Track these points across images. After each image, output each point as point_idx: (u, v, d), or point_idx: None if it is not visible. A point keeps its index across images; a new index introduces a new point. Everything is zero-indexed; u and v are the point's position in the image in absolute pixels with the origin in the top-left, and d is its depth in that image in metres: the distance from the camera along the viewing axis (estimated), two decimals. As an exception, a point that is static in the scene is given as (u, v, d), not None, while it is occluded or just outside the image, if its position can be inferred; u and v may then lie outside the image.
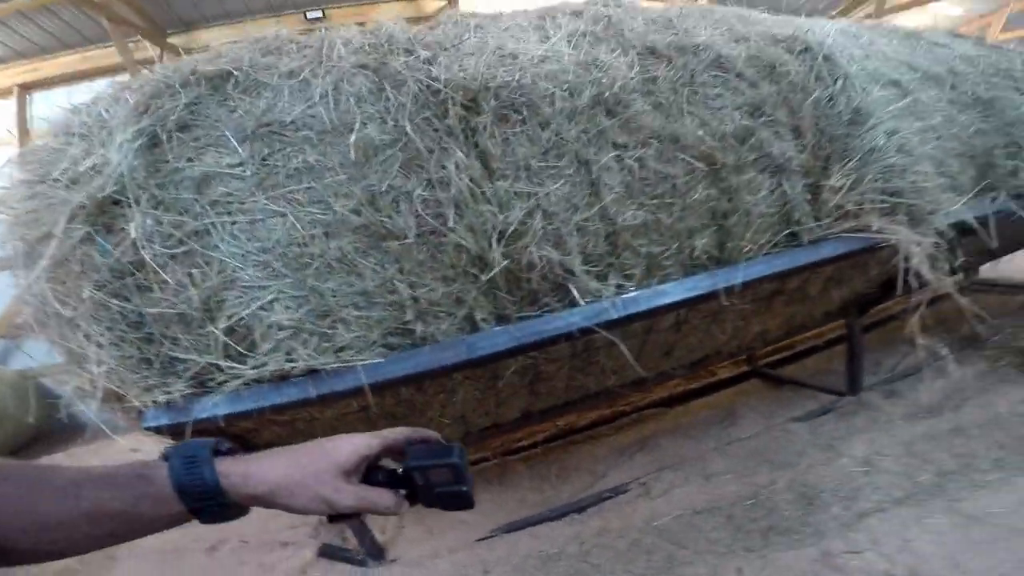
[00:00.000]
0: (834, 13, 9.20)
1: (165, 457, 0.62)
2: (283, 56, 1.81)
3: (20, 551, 0.54)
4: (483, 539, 2.42)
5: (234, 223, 1.58)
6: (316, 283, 1.54)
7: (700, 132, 1.72)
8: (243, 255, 1.54)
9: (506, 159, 1.66)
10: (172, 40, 5.62)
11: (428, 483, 0.68)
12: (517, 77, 1.67)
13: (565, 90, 1.71)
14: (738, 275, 1.67)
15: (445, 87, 1.64)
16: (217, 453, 0.63)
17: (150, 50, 5.39)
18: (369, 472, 0.68)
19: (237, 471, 0.61)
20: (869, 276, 2.43)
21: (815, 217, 1.84)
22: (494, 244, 1.58)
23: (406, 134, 1.63)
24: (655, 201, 1.72)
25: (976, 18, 10.53)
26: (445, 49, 1.78)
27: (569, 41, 1.89)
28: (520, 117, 1.68)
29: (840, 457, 2.53)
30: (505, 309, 1.66)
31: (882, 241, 1.81)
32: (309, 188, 1.65)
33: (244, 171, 1.63)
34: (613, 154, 1.68)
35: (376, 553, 2.32)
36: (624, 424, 3.44)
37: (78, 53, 5.67)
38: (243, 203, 1.62)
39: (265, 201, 1.62)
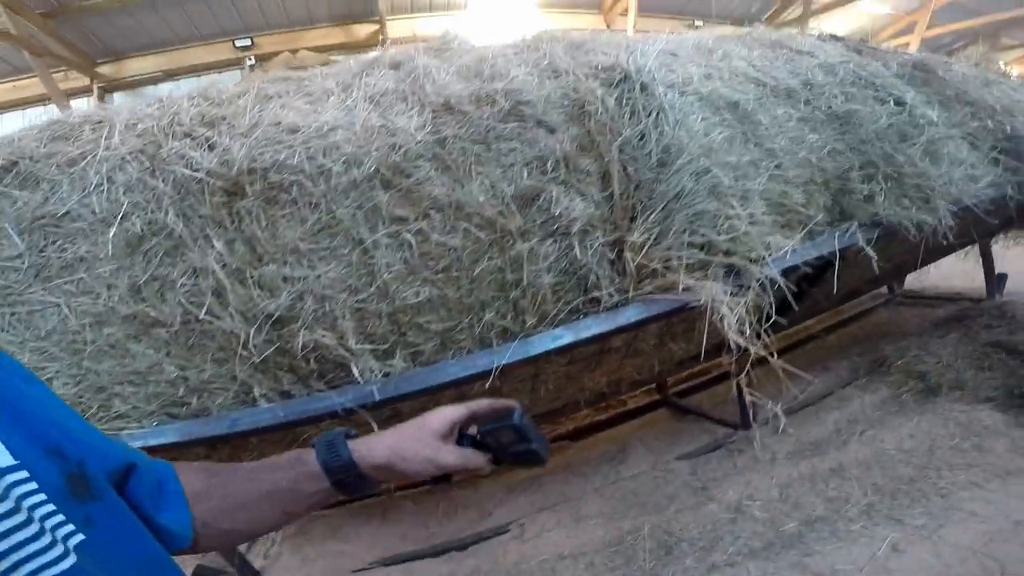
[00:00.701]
0: (764, 17, 9.02)
1: (313, 444, 0.74)
2: (71, 142, 1.81)
3: (224, 531, 0.68)
4: (358, 571, 2.43)
5: (13, 314, 1.61)
6: (91, 364, 1.57)
7: (482, 198, 1.64)
8: (21, 342, 1.57)
9: (275, 242, 1.63)
10: (101, 70, 5.60)
11: (500, 444, 0.76)
12: (283, 157, 1.62)
13: (343, 163, 1.66)
14: (504, 356, 1.59)
15: (207, 174, 1.61)
16: (348, 437, 0.75)
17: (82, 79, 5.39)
18: (460, 438, 0.77)
19: (362, 447, 0.73)
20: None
21: (614, 279, 1.73)
22: (258, 330, 1.55)
23: (169, 223, 1.60)
24: (440, 276, 1.65)
25: (904, 15, 10.17)
26: (224, 128, 1.73)
27: (372, 100, 1.83)
28: (290, 198, 1.63)
29: (710, 502, 2.48)
30: (292, 384, 1.63)
31: (692, 301, 1.70)
32: (81, 279, 1.67)
33: (22, 263, 1.64)
34: (389, 230, 1.62)
35: None
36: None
37: (8, 83, 5.68)
38: (20, 295, 1.66)
39: (41, 292, 1.66)
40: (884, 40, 10.74)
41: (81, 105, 5.47)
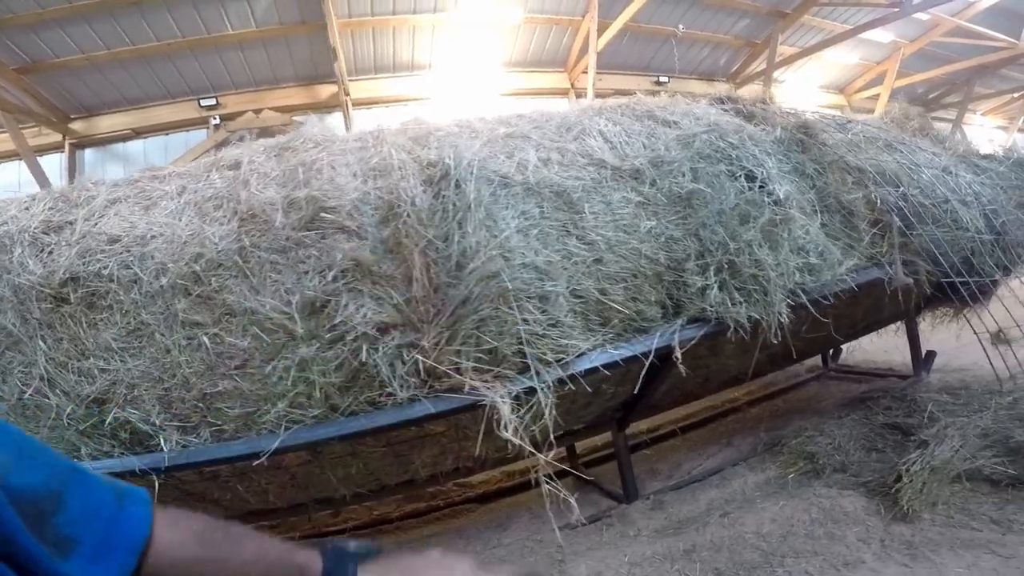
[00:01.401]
0: (732, 71, 9.21)
1: (323, 552, 0.69)
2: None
3: None
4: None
5: None
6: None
7: (268, 307, 1.77)
8: None
9: (95, 340, 1.80)
10: (74, 126, 5.95)
11: None
12: (99, 267, 1.80)
13: (153, 272, 1.82)
14: (272, 443, 1.73)
15: (37, 283, 1.79)
16: (366, 557, 0.70)
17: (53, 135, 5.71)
18: None
19: (372, 570, 0.69)
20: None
21: (407, 378, 1.81)
22: (78, 406, 1.77)
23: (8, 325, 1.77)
24: (236, 371, 1.78)
25: (873, 65, 10.24)
26: (65, 235, 1.92)
27: (197, 206, 1.99)
28: (106, 303, 1.80)
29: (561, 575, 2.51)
30: (112, 448, 1.82)
31: (478, 400, 1.78)
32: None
33: None
34: (188, 333, 1.76)
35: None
36: (433, 518, 3.47)
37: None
38: None
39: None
40: (856, 91, 10.93)
41: (52, 161, 5.78)
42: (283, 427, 1.75)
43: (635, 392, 2.36)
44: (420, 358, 1.77)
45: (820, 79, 10.53)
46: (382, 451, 2.05)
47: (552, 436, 1.82)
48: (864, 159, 2.82)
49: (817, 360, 4.42)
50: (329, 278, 1.80)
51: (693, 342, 2.13)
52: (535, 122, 2.65)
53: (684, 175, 2.38)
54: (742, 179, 2.43)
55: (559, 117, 2.73)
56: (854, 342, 4.02)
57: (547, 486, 1.91)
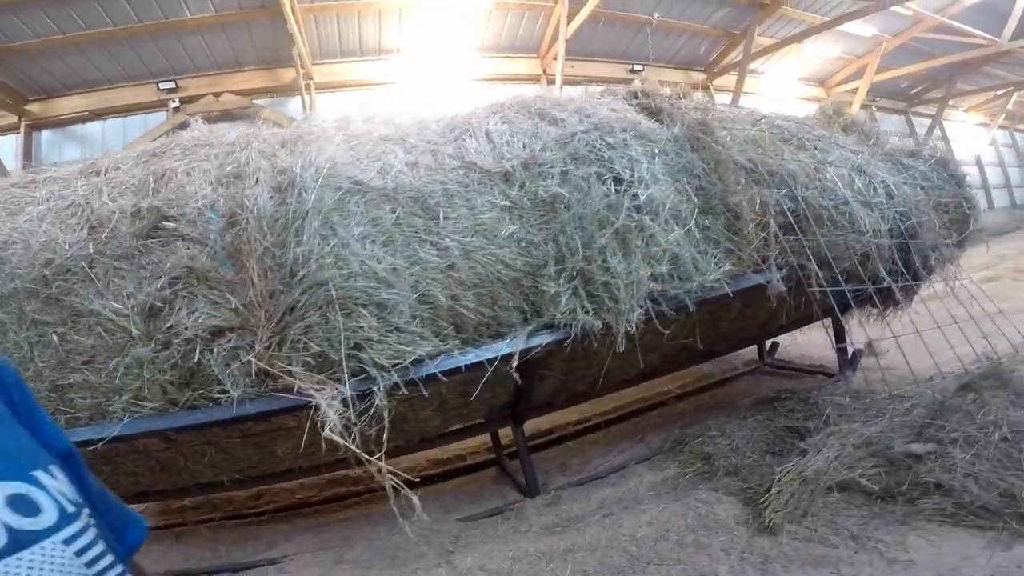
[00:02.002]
0: (712, 59, 9.06)
1: None
2: None
3: None
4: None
5: None
6: None
7: (107, 310, 1.83)
8: None
9: None
10: (31, 108, 5.94)
11: None
12: None
13: (7, 275, 1.85)
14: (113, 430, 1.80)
15: None
16: None
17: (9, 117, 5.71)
18: None
19: None
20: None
21: (240, 379, 1.86)
22: None
23: None
24: (84, 366, 1.82)
25: (854, 59, 10.03)
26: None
27: (56, 212, 2.03)
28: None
29: (446, 565, 2.58)
30: None
31: (302, 402, 1.80)
32: None
33: None
34: (38, 331, 1.81)
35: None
36: (352, 503, 3.55)
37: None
38: None
39: None
40: (836, 84, 10.79)
41: (7, 143, 5.78)
42: (126, 417, 1.81)
43: (514, 393, 2.40)
44: (253, 360, 1.81)
45: (800, 71, 10.35)
46: (238, 441, 2.10)
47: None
48: (762, 158, 2.77)
49: (755, 353, 4.40)
50: (162, 284, 1.86)
51: (537, 350, 2.13)
52: (422, 124, 2.64)
53: (552, 177, 2.36)
54: (610, 182, 2.39)
55: (451, 119, 2.72)
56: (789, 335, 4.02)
57: (390, 484, 1.95)
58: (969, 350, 4.29)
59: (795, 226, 2.63)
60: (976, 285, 6.97)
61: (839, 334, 3.71)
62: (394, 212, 2.12)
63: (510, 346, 2.11)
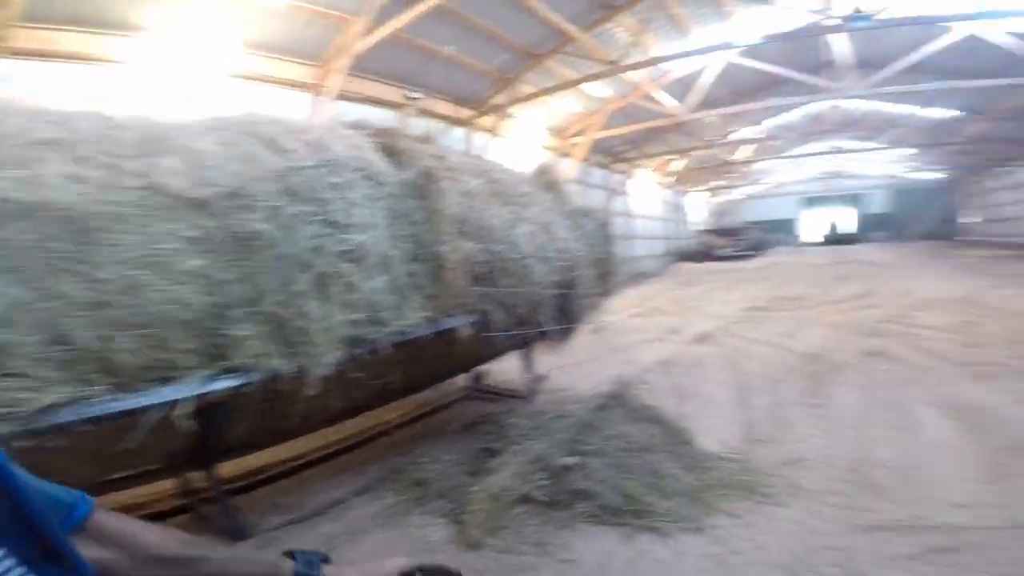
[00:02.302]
0: (485, 96, 10.00)
1: (290, 554, 0.82)
2: None
3: None
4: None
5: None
6: None
7: None
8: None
9: None
10: None
11: None
12: None
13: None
14: None
15: None
16: (324, 560, 0.84)
17: None
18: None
19: (337, 571, 0.84)
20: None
21: None
22: None
23: None
24: None
25: (587, 115, 12.39)
26: None
27: None
28: None
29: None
30: None
31: None
32: None
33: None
34: None
35: None
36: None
37: None
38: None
39: None
40: (570, 136, 12.75)
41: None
42: None
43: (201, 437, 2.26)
44: None
45: (548, 121, 11.95)
46: None
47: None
48: (472, 212, 3.12)
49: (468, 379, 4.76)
50: None
51: (217, 394, 2.07)
52: (112, 131, 2.30)
53: (258, 212, 2.28)
54: (322, 224, 2.43)
55: (157, 127, 2.45)
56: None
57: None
58: (614, 372, 5.39)
59: (488, 276, 3.01)
60: (623, 320, 8.86)
61: (528, 364, 4.28)
62: (31, 234, 1.80)
63: (175, 392, 1.98)
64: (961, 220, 27.69)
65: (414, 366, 2.97)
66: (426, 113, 8.76)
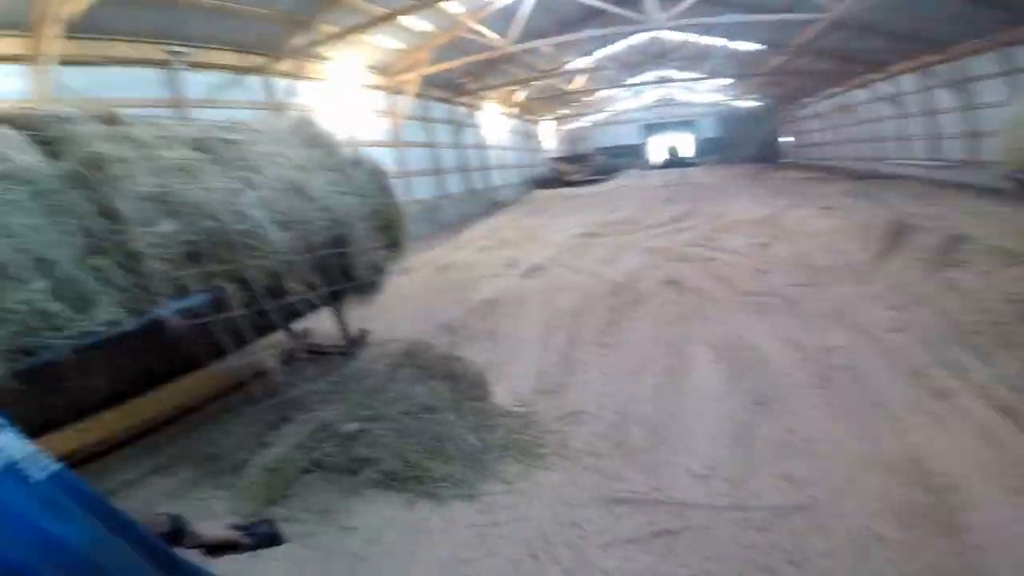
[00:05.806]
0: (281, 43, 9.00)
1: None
2: None
3: None
4: None
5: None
6: None
7: None
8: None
9: None
10: None
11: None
12: None
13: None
14: None
15: None
16: None
17: None
18: None
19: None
20: None
21: None
22: None
23: None
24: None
25: (412, 51, 11.95)
26: None
27: None
28: None
29: None
30: None
31: None
32: None
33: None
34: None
35: None
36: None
37: None
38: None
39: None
40: (397, 74, 12.12)
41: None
42: None
43: None
44: None
45: (368, 60, 11.15)
46: None
47: None
48: (176, 188, 2.73)
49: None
50: None
51: None
52: None
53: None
54: None
55: None
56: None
57: None
58: (443, 317, 5.31)
59: (210, 253, 2.68)
60: (469, 256, 8.70)
61: (341, 322, 4.05)
62: None
63: None
64: (782, 144, 29.65)
65: (170, 350, 2.63)
66: (202, 66, 7.71)
